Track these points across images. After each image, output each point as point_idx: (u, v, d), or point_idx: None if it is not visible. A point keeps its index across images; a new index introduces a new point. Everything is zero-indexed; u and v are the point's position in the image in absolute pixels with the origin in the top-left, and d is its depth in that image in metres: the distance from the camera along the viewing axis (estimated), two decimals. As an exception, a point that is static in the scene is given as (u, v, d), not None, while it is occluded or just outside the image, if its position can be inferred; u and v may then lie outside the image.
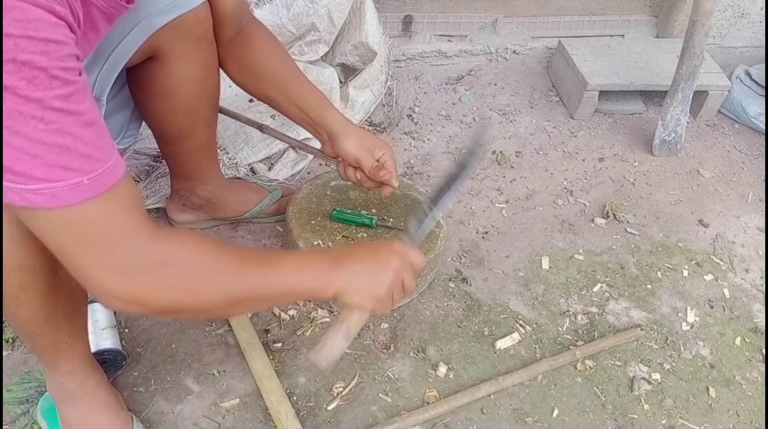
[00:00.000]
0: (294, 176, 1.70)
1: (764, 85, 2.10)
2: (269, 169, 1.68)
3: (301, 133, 1.69)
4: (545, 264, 1.58)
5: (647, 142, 1.97)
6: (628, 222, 1.71)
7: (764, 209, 1.82)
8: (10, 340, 1.26)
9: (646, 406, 1.32)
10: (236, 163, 1.63)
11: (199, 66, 1.17)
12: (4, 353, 1.24)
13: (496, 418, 1.26)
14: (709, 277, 1.60)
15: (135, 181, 1.57)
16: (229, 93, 1.73)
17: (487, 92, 2.11)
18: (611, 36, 2.27)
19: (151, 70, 1.14)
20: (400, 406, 1.26)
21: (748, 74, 2.15)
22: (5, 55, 0.58)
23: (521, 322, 1.44)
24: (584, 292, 1.53)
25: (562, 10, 2.25)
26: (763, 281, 1.61)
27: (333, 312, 1.40)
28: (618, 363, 1.39)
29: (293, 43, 1.79)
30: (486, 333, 1.41)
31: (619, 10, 2.30)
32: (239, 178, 1.60)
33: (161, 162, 1.57)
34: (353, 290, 0.89)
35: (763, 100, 2.08)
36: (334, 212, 1.38)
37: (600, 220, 1.71)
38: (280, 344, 1.33)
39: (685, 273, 1.60)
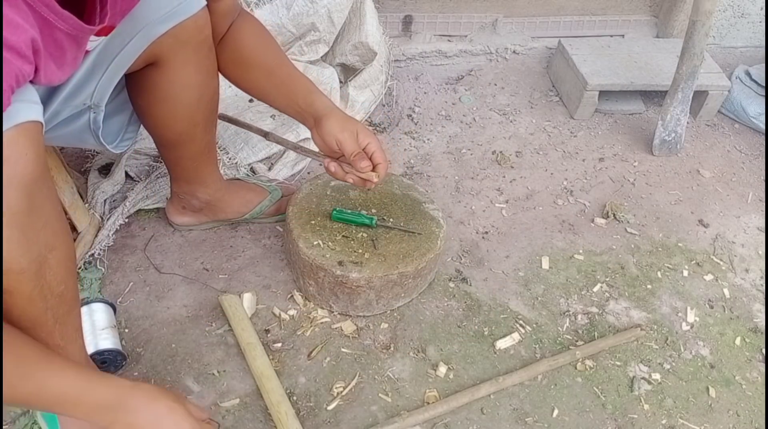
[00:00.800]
0: (294, 176, 1.70)
1: (764, 85, 2.10)
2: (269, 169, 1.68)
3: (302, 134, 1.70)
4: (545, 264, 1.58)
5: (647, 142, 1.97)
6: (628, 222, 1.71)
7: (764, 209, 1.82)
8: (10, 340, 1.26)
9: (646, 406, 1.32)
10: (236, 163, 1.63)
11: (199, 72, 1.17)
12: (4, 353, 1.24)
13: (496, 418, 1.26)
14: (709, 277, 1.60)
15: (135, 181, 1.57)
16: (229, 93, 1.73)
17: (487, 92, 2.11)
18: (611, 36, 2.27)
19: (152, 76, 1.14)
20: (400, 406, 1.26)
21: (748, 74, 2.15)
22: None
23: (521, 322, 1.44)
24: (584, 292, 1.53)
25: (562, 10, 2.26)
26: (763, 281, 1.61)
27: (333, 312, 1.40)
28: (618, 363, 1.39)
29: (293, 43, 1.79)
30: (486, 333, 1.41)
31: (619, 10, 2.30)
32: (239, 178, 1.60)
33: (161, 162, 1.57)
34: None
35: (763, 100, 2.08)
36: (334, 212, 1.38)
37: (600, 220, 1.71)
38: (280, 344, 1.33)
39: (685, 273, 1.60)
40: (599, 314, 1.48)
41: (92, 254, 1.40)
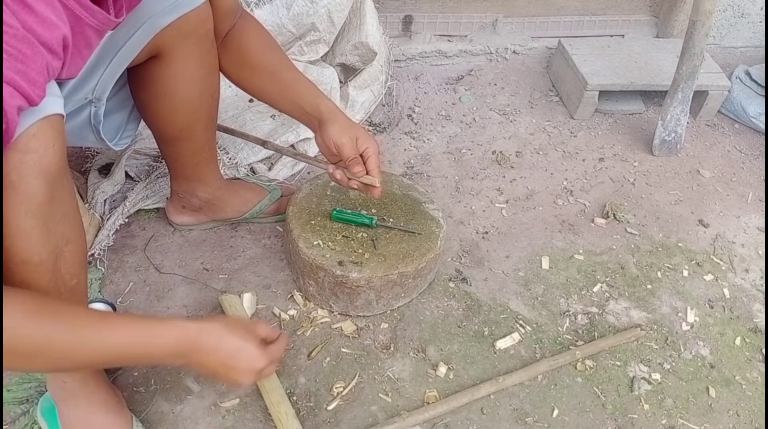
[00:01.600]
0: (294, 176, 1.70)
1: (764, 85, 2.10)
2: (269, 169, 1.68)
3: (302, 134, 1.70)
4: (545, 264, 1.58)
5: (647, 142, 1.97)
6: (628, 222, 1.71)
7: (764, 209, 1.82)
8: (10, 340, 1.25)
9: (646, 406, 1.32)
10: (236, 163, 1.63)
11: (201, 65, 1.17)
12: (4, 353, 1.24)
13: (496, 418, 1.26)
14: (709, 277, 1.60)
15: (135, 181, 1.57)
16: (229, 93, 1.73)
17: (487, 92, 2.11)
18: (611, 36, 2.27)
19: (154, 69, 1.14)
20: (400, 406, 1.26)
21: (748, 74, 2.15)
22: None
23: (521, 322, 1.44)
24: (584, 292, 1.53)
25: (562, 10, 2.26)
26: (763, 281, 1.61)
27: (333, 312, 1.40)
28: (618, 363, 1.39)
29: (293, 43, 1.79)
30: (486, 333, 1.41)
31: (619, 10, 2.30)
32: (239, 178, 1.60)
33: (161, 162, 1.58)
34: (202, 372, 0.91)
35: (763, 100, 2.08)
36: (334, 212, 1.38)
37: (600, 220, 1.71)
38: (280, 344, 1.33)
39: (685, 273, 1.60)
40: (599, 314, 1.48)
41: (92, 254, 1.40)
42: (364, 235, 1.37)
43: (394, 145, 1.85)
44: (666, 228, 1.72)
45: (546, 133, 1.99)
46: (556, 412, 1.29)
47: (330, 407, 1.24)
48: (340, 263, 1.30)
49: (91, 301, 1.25)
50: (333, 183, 1.47)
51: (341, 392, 1.27)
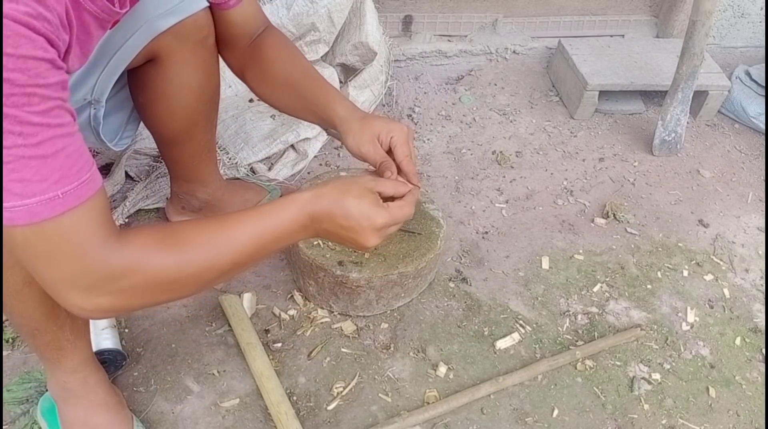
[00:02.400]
0: (294, 176, 1.70)
1: (764, 85, 2.10)
2: (269, 169, 1.68)
3: (302, 134, 1.69)
4: (545, 264, 1.58)
5: (647, 142, 1.97)
6: (628, 222, 1.71)
7: (764, 209, 1.82)
8: (10, 340, 1.26)
9: (646, 406, 1.32)
10: (236, 163, 1.63)
11: (198, 71, 1.17)
12: (4, 353, 1.24)
13: (496, 418, 1.26)
14: (709, 277, 1.60)
15: (135, 181, 1.57)
16: (230, 93, 1.73)
17: (487, 92, 2.11)
18: (611, 36, 2.27)
19: (151, 73, 1.14)
20: (400, 406, 1.26)
21: (748, 74, 2.15)
22: None
23: (521, 322, 1.44)
24: (584, 292, 1.53)
25: (562, 10, 2.26)
26: (763, 281, 1.61)
27: (333, 312, 1.40)
28: (618, 363, 1.39)
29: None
30: (486, 333, 1.41)
31: (619, 10, 2.30)
32: (238, 178, 1.60)
33: (161, 162, 1.58)
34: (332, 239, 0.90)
35: (763, 100, 2.08)
36: (334, 212, 1.38)
37: (600, 220, 1.71)
38: (280, 344, 1.33)
39: (685, 273, 1.60)
40: (599, 314, 1.48)
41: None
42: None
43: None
44: (666, 228, 1.72)
45: (546, 133, 1.99)
46: (556, 412, 1.29)
47: (330, 407, 1.24)
48: (340, 263, 1.30)
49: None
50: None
51: (341, 392, 1.27)
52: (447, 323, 1.41)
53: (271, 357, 1.28)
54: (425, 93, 2.07)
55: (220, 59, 1.21)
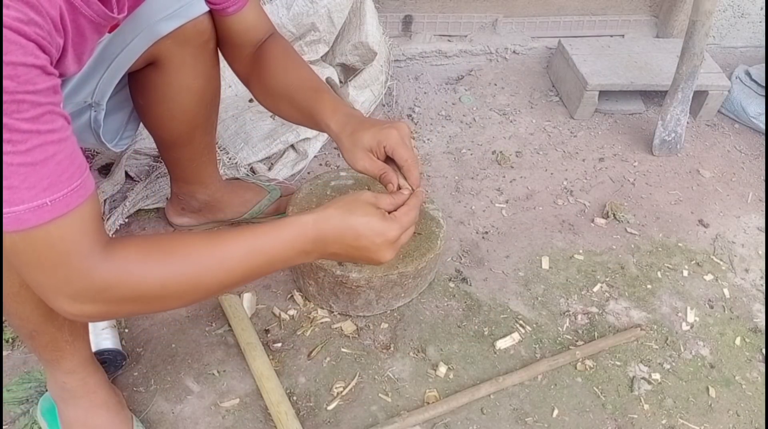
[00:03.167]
0: (294, 176, 1.70)
1: (764, 85, 2.10)
2: (269, 169, 1.68)
3: (302, 134, 1.69)
4: (545, 264, 1.58)
5: (647, 142, 1.97)
6: (628, 222, 1.71)
7: (764, 209, 1.82)
8: (10, 340, 1.26)
9: (646, 406, 1.32)
10: (236, 163, 1.63)
11: (198, 75, 1.17)
12: (4, 353, 1.25)
13: (496, 418, 1.26)
14: (709, 277, 1.60)
15: (135, 181, 1.57)
16: (230, 93, 1.73)
17: (487, 92, 2.11)
18: (611, 36, 2.27)
19: (151, 76, 1.14)
20: (400, 406, 1.26)
21: (748, 74, 2.15)
22: None
23: (521, 322, 1.44)
24: (584, 292, 1.53)
25: (562, 10, 2.26)
26: (763, 281, 1.61)
27: (333, 312, 1.40)
28: (618, 363, 1.39)
29: (293, 43, 1.79)
30: (486, 333, 1.41)
31: (619, 10, 2.30)
32: (238, 178, 1.60)
33: (161, 162, 1.58)
34: (336, 259, 0.88)
35: (763, 100, 2.08)
36: (334, 212, 1.38)
37: (600, 220, 1.71)
38: (280, 344, 1.33)
39: (685, 273, 1.60)
40: (599, 314, 1.48)
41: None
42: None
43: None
44: (666, 228, 1.72)
45: (546, 133, 1.99)
46: (556, 412, 1.29)
47: (330, 407, 1.24)
48: (340, 263, 1.30)
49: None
50: (333, 183, 1.47)
51: (341, 392, 1.27)
52: (447, 323, 1.41)
53: (271, 357, 1.28)
54: (425, 93, 2.07)
55: (220, 59, 1.21)
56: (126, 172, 1.56)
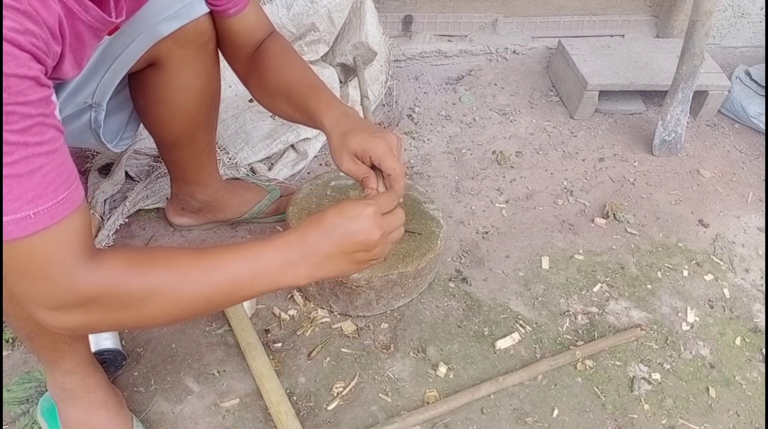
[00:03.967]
0: (294, 176, 1.70)
1: (764, 85, 2.10)
2: (269, 169, 1.68)
3: (302, 134, 1.69)
4: (545, 264, 1.58)
5: (647, 142, 1.97)
6: (628, 222, 1.71)
7: (764, 209, 1.82)
8: (10, 340, 1.26)
9: (646, 406, 1.32)
10: (236, 163, 1.63)
11: (198, 75, 1.17)
12: (4, 353, 1.25)
13: (496, 418, 1.26)
14: (709, 277, 1.60)
15: (135, 181, 1.57)
16: (230, 93, 1.73)
17: (487, 92, 2.11)
18: (611, 36, 2.27)
19: (151, 77, 1.14)
20: (400, 406, 1.26)
21: (748, 74, 2.15)
22: None
23: (521, 322, 1.44)
24: (584, 292, 1.53)
25: (562, 10, 2.26)
26: (763, 281, 1.61)
27: (333, 312, 1.40)
28: (618, 363, 1.39)
29: (293, 44, 1.79)
30: (486, 333, 1.41)
31: (619, 10, 2.30)
32: (238, 178, 1.60)
33: (161, 162, 1.58)
34: (325, 276, 0.85)
35: (763, 100, 2.08)
36: (334, 212, 1.37)
37: (600, 220, 1.71)
38: (280, 344, 1.33)
39: (685, 273, 1.60)
40: (599, 314, 1.48)
41: (92, 254, 1.40)
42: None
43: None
44: (666, 228, 1.72)
45: (546, 133, 1.99)
46: (556, 412, 1.29)
47: (330, 407, 1.24)
48: (340, 263, 1.30)
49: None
50: (333, 183, 1.47)
51: (341, 392, 1.27)
52: (447, 323, 1.41)
53: (271, 357, 1.28)
54: (425, 93, 2.07)
55: (220, 59, 1.21)
56: (126, 172, 1.56)
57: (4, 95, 0.59)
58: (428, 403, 1.26)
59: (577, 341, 1.41)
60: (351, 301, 1.35)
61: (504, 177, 1.81)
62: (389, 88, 2.00)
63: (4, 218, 0.63)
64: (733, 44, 2.38)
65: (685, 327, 1.48)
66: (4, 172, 0.61)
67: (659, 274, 1.59)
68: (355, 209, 0.83)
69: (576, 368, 1.36)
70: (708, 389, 1.37)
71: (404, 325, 1.40)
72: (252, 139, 1.67)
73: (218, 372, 1.27)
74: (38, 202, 0.64)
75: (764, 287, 1.60)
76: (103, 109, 1.10)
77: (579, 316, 1.47)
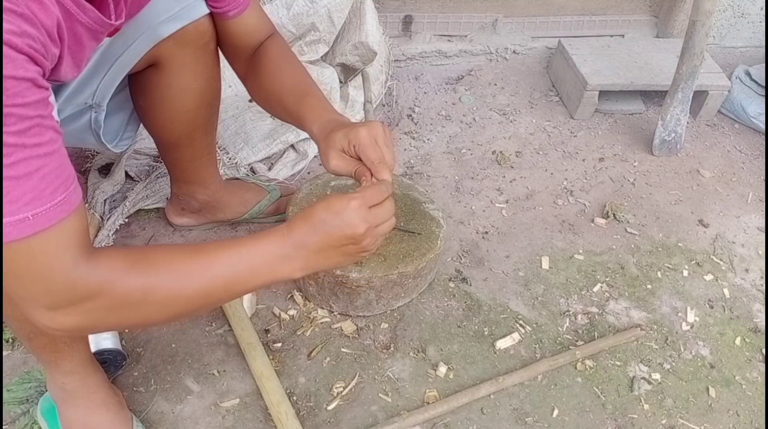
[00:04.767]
0: (294, 176, 1.70)
1: (764, 85, 2.10)
2: (269, 169, 1.68)
3: (302, 134, 1.69)
4: (545, 264, 1.58)
5: (647, 142, 1.97)
6: (628, 222, 1.71)
7: (764, 209, 1.82)
8: (10, 340, 1.26)
9: (646, 406, 1.32)
10: (236, 163, 1.63)
11: (198, 76, 1.17)
12: (4, 353, 1.25)
13: (496, 418, 1.26)
14: (709, 277, 1.60)
15: (135, 181, 1.57)
16: (230, 93, 1.73)
17: (487, 92, 2.11)
18: (611, 36, 2.27)
19: (152, 77, 1.14)
20: (400, 406, 1.26)
21: (748, 74, 2.15)
22: None
23: (521, 322, 1.44)
24: (584, 292, 1.53)
25: (562, 10, 2.26)
26: (763, 281, 1.61)
27: (333, 312, 1.40)
28: (618, 363, 1.39)
29: (293, 43, 1.79)
30: (486, 333, 1.41)
31: (619, 10, 2.30)
32: (238, 178, 1.60)
33: (161, 162, 1.58)
34: (319, 268, 0.86)
35: (763, 100, 2.08)
36: (334, 212, 1.37)
37: (600, 220, 1.71)
38: (280, 344, 1.33)
39: (685, 273, 1.60)
40: (599, 314, 1.48)
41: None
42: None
43: (394, 145, 1.85)
44: (666, 228, 1.72)
45: (546, 133, 1.99)
46: (556, 412, 1.29)
47: (330, 407, 1.24)
48: (340, 263, 1.30)
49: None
50: (333, 183, 1.47)
51: (341, 392, 1.27)
52: (447, 323, 1.41)
53: (271, 357, 1.28)
54: (425, 93, 2.07)
55: (221, 59, 1.21)
56: (126, 172, 1.56)
57: (2, 97, 0.59)
58: (428, 403, 1.26)
59: (577, 341, 1.41)
60: (351, 301, 1.35)
61: (504, 177, 1.81)
62: (389, 88, 2.00)
63: (3, 220, 0.63)
64: (733, 44, 2.38)
65: (685, 327, 1.48)
66: (3, 173, 0.61)
67: (659, 274, 1.59)
68: (340, 203, 0.84)
69: (576, 368, 1.36)
70: (708, 389, 1.37)
71: (404, 325, 1.40)
72: (252, 139, 1.67)
73: (218, 372, 1.27)
74: (37, 204, 0.64)
75: (764, 287, 1.60)
76: (103, 109, 1.10)
77: (579, 316, 1.47)
